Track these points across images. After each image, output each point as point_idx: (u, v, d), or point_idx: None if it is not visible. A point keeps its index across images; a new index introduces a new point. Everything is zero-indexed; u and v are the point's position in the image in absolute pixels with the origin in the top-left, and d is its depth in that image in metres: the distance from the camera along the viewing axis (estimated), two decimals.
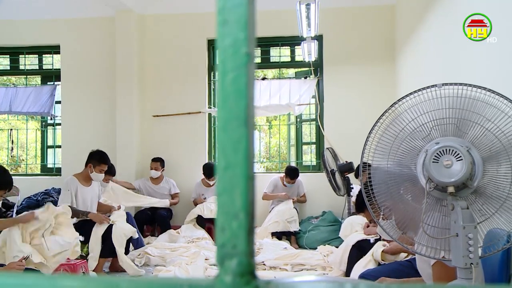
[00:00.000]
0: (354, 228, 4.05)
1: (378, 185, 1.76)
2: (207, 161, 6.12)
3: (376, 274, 2.75)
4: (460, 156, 1.39)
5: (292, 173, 5.57)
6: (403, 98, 1.75)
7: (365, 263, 3.18)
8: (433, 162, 1.40)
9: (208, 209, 5.39)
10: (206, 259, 4.30)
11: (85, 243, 4.00)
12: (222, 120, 0.34)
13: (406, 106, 1.73)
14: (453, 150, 1.38)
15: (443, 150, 1.39)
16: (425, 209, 1.47)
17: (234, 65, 0.34)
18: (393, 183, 1.73)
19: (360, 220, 4.08)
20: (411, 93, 1.70)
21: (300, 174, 5.89)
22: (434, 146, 1.45)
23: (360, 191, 2.63)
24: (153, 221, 5.59)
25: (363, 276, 2.86)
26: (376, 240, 3.30)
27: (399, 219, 1.79)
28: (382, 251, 3.12)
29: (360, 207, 2.95)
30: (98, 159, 4.27)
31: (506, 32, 2.99)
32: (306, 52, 5.44)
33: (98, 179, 4.36)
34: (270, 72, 9.22)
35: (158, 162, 5.78)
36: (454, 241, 1.52)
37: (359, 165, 5.27)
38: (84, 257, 4.02)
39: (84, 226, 3.97)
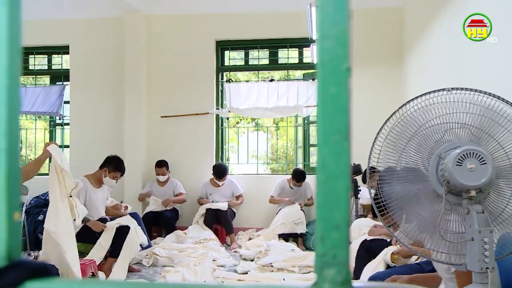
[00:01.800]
0: (362, 231, 4.04)
1: (388, 189, 1.76)
2: (214, 162, 6.14)
3: (386, 277, 2.75)
4: (484, 160, 1.39)
5: (298, 176, 5.56)
6: (411, 100, 1.75)
7: (375, 266, 3.17)
8: (456, 165, 1.39)
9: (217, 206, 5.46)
10: (213, 260, 4.30)
11: (87, 242, 4.02)
12: (324, 134, 0.35)
13: (416, 108, 1.72)
14: (477, 154, 1.38)
15: (466, 154, 1.38)
16: (442, 214, 1.46)
17: (335, 80, 0.34)
18: (404, 187, 1.73)
19: (368, 222, 4.08)
20: (419, 96, 1.69)
21: (307, 176, 5.89)
22: (456, 149, 1.45)
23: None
24: (159, 222, 5.60)
25: (373, 279, 2.86)
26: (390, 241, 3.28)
27: (412, 224, 1.79)
28: (393, 253, 3.10)
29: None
30: (114, 166, 4.29)
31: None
32: (315, 54, 5.44)
33: (110, 184, 4.38)
34: (276, 74, 9.24)
35: (164, 166, 5.78)
36: (469, 245, 1.52)
37: (366, 169, 5.25)
38: (82, 253, 4.02)
39: (88, 229, 4.00)
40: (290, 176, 5.68)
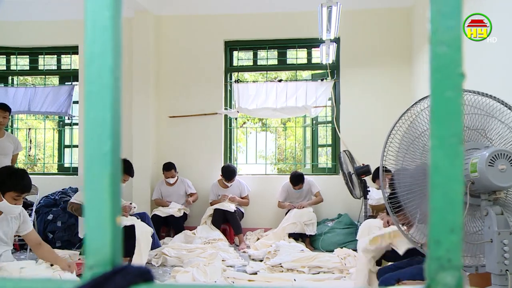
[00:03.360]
0: (371, 231, 4.02)
1: (402, 189, 1.74)
2: (223, 162, 6.14)
3: (396, 277, 2.74)
4: None
5: (294, 180, 5.56)
6: (420, 100, 1.74)
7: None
8: (489, 165, 1.38)
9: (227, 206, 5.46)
10: (223, 260, 4.31)
11: None
12: (439, 137, 0.35)
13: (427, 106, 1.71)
14: (507, 155, 1.37)
15: (497, 155, 1.38)
16: (464, 217, 1.45)
17: (451, 84, 0.35)
18: (419, 187, 1.72)
19: (377, 223, 4.06)
20: (427, 97, 1.68)
21: (315, 176, 5.88)
22: (481, 150, 1.44)
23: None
24: (167, 223, 5.61)
25: (383, 281, 2.84)
26: None
27: (426, 224, 1.77)
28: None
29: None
30: (124, 169, 4.30)
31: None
32: (324, 55, 5.44)
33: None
34: (284, 74, 9.23)
35: (172, 169, 5.78)
36: (488, 247, 1.51)
37: (376, 168, 5.25)
38: None
39: None
40: None
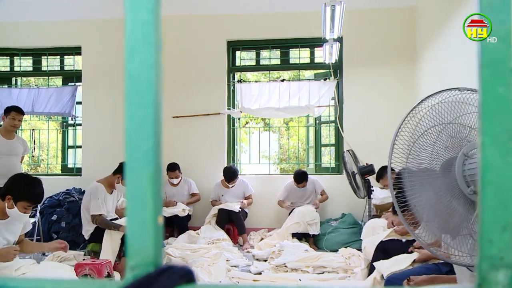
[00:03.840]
0: (376, 231, 4.02)
1: (412, 189, 1.74)
2: (226, 162, 6.14)
3: (403, 278, 2.73)
4: None
5: (299, 178, 5.55)
6: (429, 97, 1.73)
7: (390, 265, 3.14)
8: None
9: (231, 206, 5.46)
10: (227, 260, 4.30)
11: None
12: (490, 134, 0.35)
13: (439, 107, 1.71)
14: None
15: None
16: (474, 217, 1.45)
17: (503, 80, 0.34)
18: (428, 187, 1.71)
19: (382, 223, 4.05)
20: (431, 95, 1.68)
21: (318, 176, 5.88)
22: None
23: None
24: (171, 223, 5.61)
25: (389, 280, 2.84)
26: (408, 241, 3.25)
27: (433, 223, 1.77)
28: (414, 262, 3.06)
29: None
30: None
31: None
32: (327, 54, 5.43)
33: (122, 190, 4.41)
34: (286, 74, 9.22)
35: (176, 170, 5.79)
36: None
37: (380, 168, 5.23)
38: (97, 253, 4.05)
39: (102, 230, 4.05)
40: None
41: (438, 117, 1.72)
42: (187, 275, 0.40)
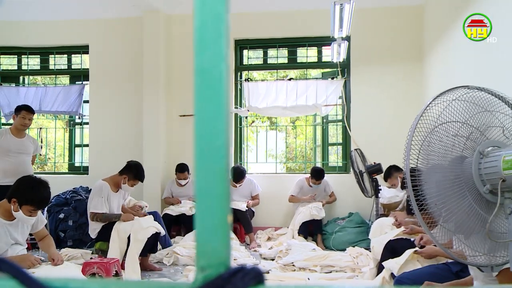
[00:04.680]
0: (383, 230, 4.00)
1: (429, 188, 1.71)
2: (233, 161, 6.13)
3: (413, 278, 2.71)
4: None
5: (317, 174, 5.54)
6: (450, 90, 1.71)
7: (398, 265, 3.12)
8: None
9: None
10: (234, 259, 4.30)
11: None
12: None
13: (453, 106, 1.68)
14: None
15: None
16: (495, 213, 1.43)
17: None
18: (445, 186, 1.68)
19: (389, 222, 4.03)
20: (441, 94, 1.66)
21: (326, 175, 5.85)
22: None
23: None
24: (178, 222, 5.61)
25: (399, 280, 2.81)
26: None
27: (450, 223, 1.74)
28: (416, 252, 3.05)
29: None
30: (134, 174, 4.29)
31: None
32: (335, 53, 5.41)
33: (127, 190, 4.41)
34: (293, 73, 9.19)
35: (185, 171, 5.79)
36: None
37: (388, 167, 5.20)
38: (104, 252, 4.05)
39: (110, 228, 4.06)
40: (309, 174, 5.66)
41: (458, 114, 1.69)
42: (259, 276, 0.39)
